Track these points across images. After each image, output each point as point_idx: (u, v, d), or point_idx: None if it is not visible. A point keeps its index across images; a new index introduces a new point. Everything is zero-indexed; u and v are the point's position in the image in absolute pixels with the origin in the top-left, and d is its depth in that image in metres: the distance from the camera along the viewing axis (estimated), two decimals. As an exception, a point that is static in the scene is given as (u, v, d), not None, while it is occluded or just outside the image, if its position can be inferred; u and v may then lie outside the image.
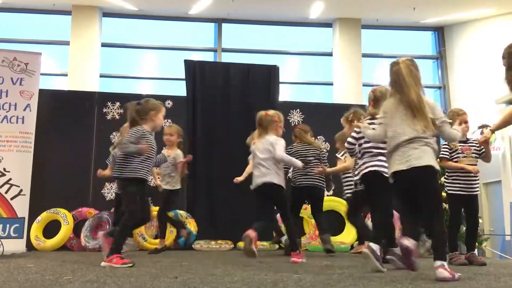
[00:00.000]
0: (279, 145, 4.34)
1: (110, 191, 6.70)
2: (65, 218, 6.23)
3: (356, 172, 4.15)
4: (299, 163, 4.55)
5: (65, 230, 6.17)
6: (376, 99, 3.86)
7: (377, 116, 3.37)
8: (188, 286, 2.53)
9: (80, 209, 6.45)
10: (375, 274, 3.18)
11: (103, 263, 3.59)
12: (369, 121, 3.66)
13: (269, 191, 4.38)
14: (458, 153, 4.36)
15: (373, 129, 3.38)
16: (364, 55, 9.89)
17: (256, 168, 4.45)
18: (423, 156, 3.02)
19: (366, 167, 3.86)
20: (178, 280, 2.78)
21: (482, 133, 8.28)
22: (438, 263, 2.86)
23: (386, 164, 3.46)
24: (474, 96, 8.93)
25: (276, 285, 2.62)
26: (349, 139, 4.08)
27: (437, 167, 3.07)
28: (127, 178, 3.88)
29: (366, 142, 3.87)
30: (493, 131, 4.05)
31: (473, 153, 4.40)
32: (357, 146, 4.01)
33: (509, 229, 8.25)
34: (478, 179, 4.39)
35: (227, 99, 7.12)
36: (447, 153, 4.41)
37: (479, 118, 7.52)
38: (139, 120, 3.98)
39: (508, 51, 3.62)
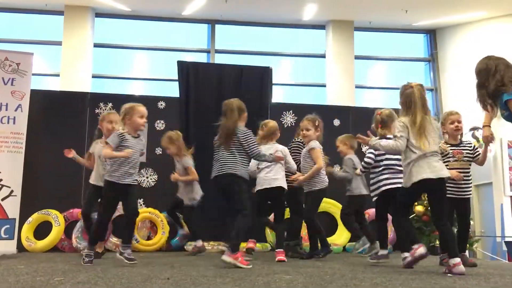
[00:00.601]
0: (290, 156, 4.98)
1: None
2: (57, 219, 6.18)
3: (377, 187, 4.41)
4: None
5: (56, 231, 6.12)
6: (384, 122, 4.36)
7: (396, 132, 3.72)
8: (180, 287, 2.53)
9: (71, 210, 6.41)
10: (366, 275, 3.19)
11: (226, 258, 3.77)
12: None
13: (276, 194, 4.77)
14: (449, 157, 4.34)
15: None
16: (357, 57, 9.93)
17: (262, 171, 4.78)
18: (444, 169, 3.63)
19: (395, 183, 4.19)
20: (170, 281, 2.78)
21: (473, 135, 8.29)
22: (456, 259, 3.32)
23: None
24: (466, 98, 8.90)
25: (268, 286, 2.62)
26: (369, 160, 4.43)
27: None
28: (240, 176, 4.10)
29: (387, 159, 4.31)
30: (489, 125, 4.00)
31: (465, 156, 4.34)
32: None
33: (500, 231, 8.32)
34: (470, 183, 4.36)
35: (220, 100, 7.02)
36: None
37: (471, 120, 7.58)
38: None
39: (478, 69, 3.68)
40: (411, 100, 3.70)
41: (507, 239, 7.91)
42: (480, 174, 8.15)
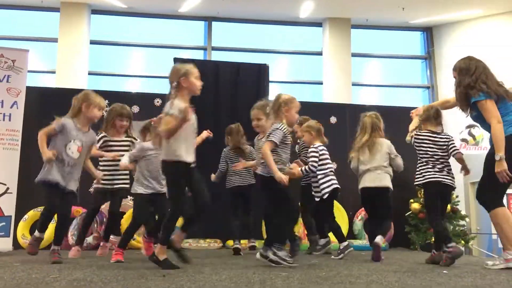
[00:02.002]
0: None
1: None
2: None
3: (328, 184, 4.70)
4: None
5: (52, 229, 6.08)
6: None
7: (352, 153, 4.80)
8: (176, 285, 2.52)
9: (67, 208, 6.39)
10: (362, 272, 3.20)
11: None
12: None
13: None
14: None
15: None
16: (354, 55, 9.93)
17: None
18: (384, 179, 4.56)
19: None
20: (165, 278, 2.77)
21: (469, 133, 8.35)
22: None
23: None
24: (462, 96, 9.01)
25: (264, 283, 2.62)
26: (313, 168, 4.58)
27: (391, 187, 4.62)
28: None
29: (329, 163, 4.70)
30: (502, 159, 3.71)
31: None
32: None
33: (496, 228, 8.34)
34: (417, 173, 4.29)
35: (216, 97, 7.10)
36: None
37: (466, 118, 7.58)
38: None
39: (459, 68, 3.80)
40: (364, 126, 4.72)
41: (502, 236, 7.93)
42: (476, 172, 8.14)
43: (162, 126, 3.45)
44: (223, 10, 9.54)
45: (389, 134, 7.01)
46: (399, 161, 4.66)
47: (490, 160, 3.65)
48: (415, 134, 4.24)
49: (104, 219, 6.03)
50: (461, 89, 3.80)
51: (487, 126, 3.72)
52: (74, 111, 4.23)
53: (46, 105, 6.70)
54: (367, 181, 4.57)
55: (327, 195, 4.55)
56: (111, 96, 6.99)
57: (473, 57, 3.89)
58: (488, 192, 3.70)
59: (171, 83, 3.60)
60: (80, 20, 9.17)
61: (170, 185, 3.58)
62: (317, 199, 4.65)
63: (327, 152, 4.65)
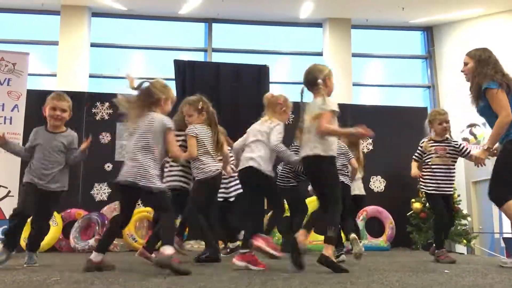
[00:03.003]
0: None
1: (99, 192, 6.66)
2: (54, 219, 6.17)
3: None
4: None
5: (54, 231, 6.12)
6: None
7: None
8: (177, 286, 2.52)
9: (69, 210, 6.41)
10: (363, 272, 3.19)
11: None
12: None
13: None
14: (432, 154, 4.45)
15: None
16: (354, 55, 9.92)
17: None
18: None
19: None
20: (167, 280, 2.77)
21: (471, 132, 8.38)
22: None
23: None
24: (463, 95, 8.96)
25: (265, 283, 2.61)
26: None
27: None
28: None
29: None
30: (488, 150, 3.84)
31: (447, 153, 4.45)
32: None
33: (498, 227, 8.33)
34: (453, 180, 4.51)
35: (217, 99, 7.09)
36: (419, 155, 4.59)
37: (468, 117, 7.59)
38: None
39: (479, 56, 3.90)
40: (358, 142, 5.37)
41: (505, 235, 7.92)
42: (478, 170, 8.14)
43: (323, 122, 3.39)
44: (223, 12, 9.55)
45: (390, 133, 7.01)
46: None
47: (500, 157, 3.64)
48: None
49: (106, 221, 6.03)
50: (479, 78, 3.80)
51: (493, 120, 3.64)
52: (151, 102, 3.62)
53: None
54: (357, 189, 5.18)
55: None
56: (111, 99, 7.01)
57: (489, 49, 3.93)
58: (498, 187, 3.65)
59: (313, 80, 3.61)
60: (80, 23, 9.19)
61: (331, 181, 3.34)
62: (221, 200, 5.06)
63: None
